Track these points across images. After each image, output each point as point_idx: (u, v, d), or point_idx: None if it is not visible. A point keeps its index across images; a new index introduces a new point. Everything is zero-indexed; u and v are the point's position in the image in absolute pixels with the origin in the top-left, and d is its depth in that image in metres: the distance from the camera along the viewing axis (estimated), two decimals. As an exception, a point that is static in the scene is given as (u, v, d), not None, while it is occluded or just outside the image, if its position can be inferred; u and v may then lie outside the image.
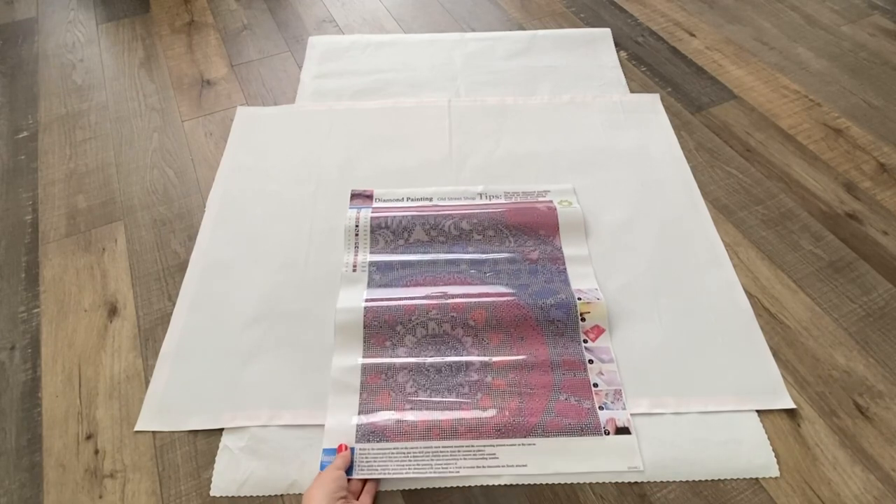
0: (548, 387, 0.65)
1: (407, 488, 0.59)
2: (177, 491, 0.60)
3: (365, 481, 0.58)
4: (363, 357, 0.68)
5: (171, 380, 0.67)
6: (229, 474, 0.60)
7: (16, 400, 0.67)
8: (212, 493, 0.59)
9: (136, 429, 0.64)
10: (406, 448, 0.60)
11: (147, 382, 0.68)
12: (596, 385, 0.65)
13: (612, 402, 0.64)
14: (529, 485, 0.59)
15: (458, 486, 0.59)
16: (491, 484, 0.59)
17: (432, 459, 0.59)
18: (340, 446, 0.60)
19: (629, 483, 0.59)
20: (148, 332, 0.72)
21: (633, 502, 0.58)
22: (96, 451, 0.63)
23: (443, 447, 0.60)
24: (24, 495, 0.60)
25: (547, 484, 0.59)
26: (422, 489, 0.59)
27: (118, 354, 0.70)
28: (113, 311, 0.74)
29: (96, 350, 0.71)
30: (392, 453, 0.60)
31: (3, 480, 0.61)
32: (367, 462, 0.59)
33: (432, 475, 0.59)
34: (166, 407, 0.65)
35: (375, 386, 0.65)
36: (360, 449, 0.60)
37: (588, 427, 0.61)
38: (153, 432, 0.64)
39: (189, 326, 0.72)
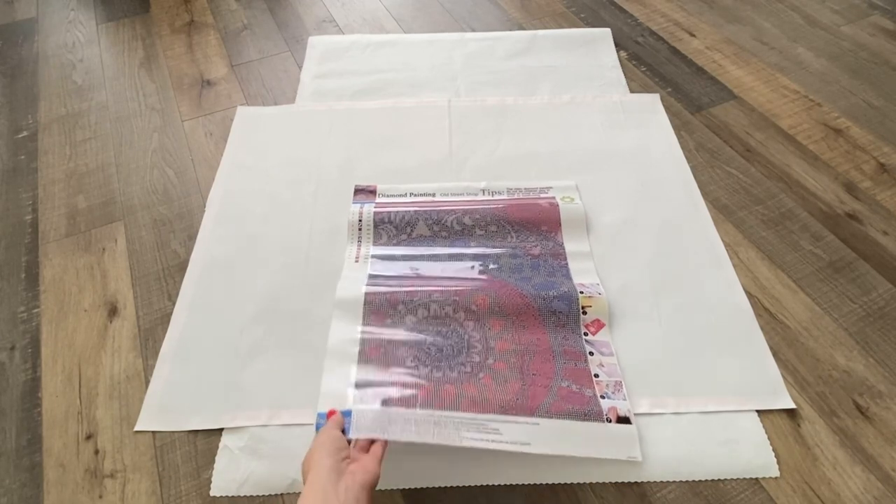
0: (549, 373, 0.64)
1: (407, 487, 0.59)
2: (177, 491, 0.60)
3: (371, 440, 0.55)
4: (362, 328, 0.67)
5: (171, 380, 0.67)
6: (229, 474, 0.60)
7: (16, 400, 0.67)
8: (212, 493, 0.59)
9: (136, 429, 0.64)
10: (407, 413, 0.58)
11: (147, 382, 0.68)
12: (597, 376, 0.65)
13: (613, 393, 0.64)
14: (529, 485, 0.59)
15: (458, 487, 0.59)
16: (494, 484, 0.59)
17: (434, 427, 0.57)
18: (330, 412, 0.58)
19: (629, 483, 0.59)
20: (148, 332, 0.72)
21: (634, 502, 0.58)
22: (96, 451, 0.63)
23: (446, 416, 0.59)
24: (24, 495, 0.60)
25: (547, 484, 0.59)
26: (422, 489, 0.59)
27: (118, 354, 0.70)
28: (113, 311, 0.74)
29: (96, 350, 0.71)
30: (393, 416, 0.58)
31: (3, 480, 0.61)
32: (365, 424, 0.56)
33: (435, 442, 0.57)
34: (166, 407, 0.65)
35: (374, 358, 0.65)
36: (357, 411, 0.58)
37: (591, 413, 0.61)
38: (153, 432, 0.64)
39: (189, 326, 0.72)
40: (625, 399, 0.63)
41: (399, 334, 0.67)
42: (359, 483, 0.47)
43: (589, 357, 0.67)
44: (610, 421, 0.61)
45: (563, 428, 0.60)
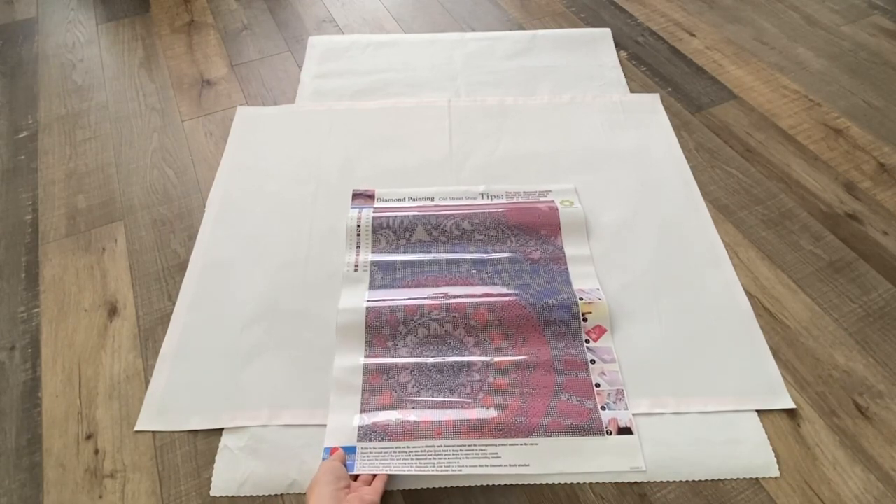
0: (549, 387, 0.65)
1: (407, 488, 0.59)
2: (177, 491, 0.60)
3: (374, 475, 0.58)
4: (365, 357, 0.68)
5: (171, 380, 0.67)
6: (229, 474, 0.60)
7: (16, 400, 0.67)
8: (212, 493, 0.59)
9: (136, 429, 0.64)
10: (408, 447, 0.60)
11: (147, 382, 0.68)
12: (598, 385, 0.65)
13: (615, 403, 0.63)
14: (529, 485, 0.59)
15: (457, 487, 0.59)
16: (493, 484, 0.59)
17: (434, 458, 0.59)
18: (333, 450, 0.60)
19: (629, 483, 0.59)
20: (148, 332, 0.72)
21: (633, 502, 0.58)
22: (96, 451, 0.63)
23: (445, 446, 0.60)
24: (24, 495, 0.60)
25: (547, 484, 0.59)
26: (422, 489, 0.59)
27: (118, 354, 0.70)
28: (113, 311, 0.74)
29: (96, 350, 0.71)
30: (394, 451, 0.59)
31: (3, 480, 0.61)
32: (369, 460, 0.59)
33: (435, 473, 0.59)
34: (166, 407, 0.65)
35: (377, 386, 0.65)
36: (361, 447, 0.60)
37: (590, 427, 0.61)
38: (153, 432, 0.64)
39: (189, 326, 0.72)
40: (626, 408, 0.63)
41: (400, 358, 0.67)
42: None
43: (590, 366, 0.66)
44: (610, 433, 0.61)
45: (562, 445, 0.60)
